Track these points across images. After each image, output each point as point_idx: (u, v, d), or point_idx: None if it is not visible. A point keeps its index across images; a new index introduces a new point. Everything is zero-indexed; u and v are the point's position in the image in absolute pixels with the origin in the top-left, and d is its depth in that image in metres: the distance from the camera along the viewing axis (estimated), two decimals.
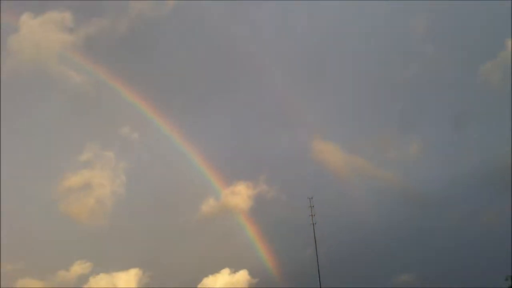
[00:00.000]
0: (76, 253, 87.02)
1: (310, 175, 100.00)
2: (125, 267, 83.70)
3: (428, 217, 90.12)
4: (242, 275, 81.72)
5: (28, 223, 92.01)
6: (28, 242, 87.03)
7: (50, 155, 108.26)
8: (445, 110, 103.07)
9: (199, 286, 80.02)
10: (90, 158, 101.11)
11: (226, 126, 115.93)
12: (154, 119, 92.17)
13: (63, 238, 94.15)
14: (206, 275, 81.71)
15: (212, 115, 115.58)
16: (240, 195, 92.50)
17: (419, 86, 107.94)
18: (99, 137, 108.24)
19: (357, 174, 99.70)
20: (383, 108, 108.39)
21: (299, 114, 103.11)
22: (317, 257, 47.35)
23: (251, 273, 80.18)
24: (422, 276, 70.16)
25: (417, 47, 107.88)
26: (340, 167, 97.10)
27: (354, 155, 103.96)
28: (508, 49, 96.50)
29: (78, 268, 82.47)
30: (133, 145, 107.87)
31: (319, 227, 50.32)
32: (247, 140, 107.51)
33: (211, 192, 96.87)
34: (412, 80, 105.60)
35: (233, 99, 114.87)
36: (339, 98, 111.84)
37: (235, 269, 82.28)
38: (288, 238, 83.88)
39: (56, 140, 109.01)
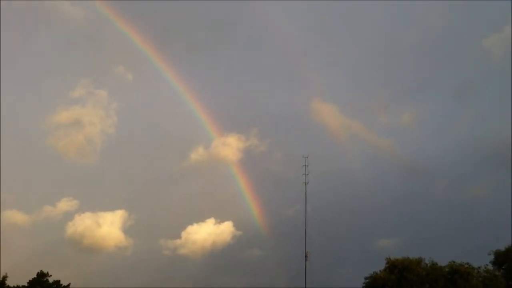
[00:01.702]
0: (63, 190, 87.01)
1: (307, 134, 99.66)
2: (111, 208, 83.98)
3: (418, 185, 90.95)
4: (227, 226, 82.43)
5: (16, 155, 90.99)
6: (15, 174, 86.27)
7: (42, 89, 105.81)
8: (445, 81, 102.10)
9: (182, 233, 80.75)
10: (83, 95, 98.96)
11: (226, 78, 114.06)
12: (153, 60, 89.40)
13: (51, 173, 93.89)
14: (191, 223, 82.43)
15: (212, 65, 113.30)
16: (230, 147, 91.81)
17: (421, 55, 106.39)
18: (93, 74, 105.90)
19: (354, 138, 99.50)
20: (385, 75, 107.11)
21: (301, 74, 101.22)
22: (305, 216, 47.00)
23: (236, 226, 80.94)
24: (404, 243, 70.96)
25: (421, 15, 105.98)
26: (337, 130, 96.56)
27: (352, 119, 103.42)
28: None
29: (65, 205, 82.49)
30: (128, 85, 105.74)
31: (311, 186, 49.76)
32: (245, 94, 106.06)
33: (202, 140, 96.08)
34: (414, 48, 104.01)
35: (236, 54, 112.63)
36: (342, 61, 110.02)
37: (220, 219, 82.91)
38: (278, 194, 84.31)
39: (49, 75, 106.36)
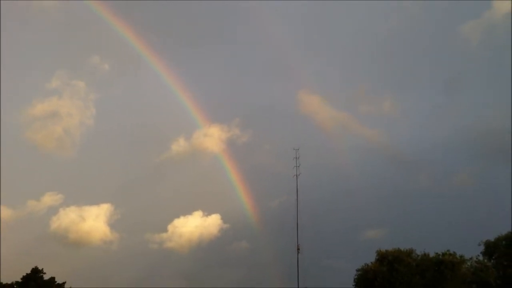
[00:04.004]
0: (47, 184, 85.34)
1: (295, 125, 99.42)
2: (96, 202, 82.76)
3: (406, 176, 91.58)
4: (214, 219, 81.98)
5: None
6: None
7: (18, 81, 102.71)
8: (431, 71, 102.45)
9: (169, 226, 79.98)
10: (59, 86, 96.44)
11: (210, 70, 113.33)
12: (131, 49, 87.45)
13: (32, 168, 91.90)
14: (178, 216, 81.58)
15: (195, 57, 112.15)
16: (212, 138, 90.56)
17: (404, 43, 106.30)
18: (69, 64, 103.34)
19: (341, 128, 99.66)
20: (369, 65, 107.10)
21: (289, 66, 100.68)
22: (297, 208, 46.59)
23: (223, 218, 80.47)
24: (394, 233, 71.31)
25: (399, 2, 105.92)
26: (326, 121, 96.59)
27: (340, 110, 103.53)
28: (494, 10, 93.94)
29: (49, 199, 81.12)
30: (106, 75, 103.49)
31: (301, 178, 49.33)
32: (229, 85, 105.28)
33: (184, 131, 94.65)
34: (395, 36, 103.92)
35: (221, 47, 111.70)
36: (327, 52, 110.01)
37: (208, 212, 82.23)
38: (265, 185, 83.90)
39: (25, 66, 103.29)
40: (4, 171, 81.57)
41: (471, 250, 43.15)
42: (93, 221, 79.40)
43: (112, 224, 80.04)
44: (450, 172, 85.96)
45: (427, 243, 45.21)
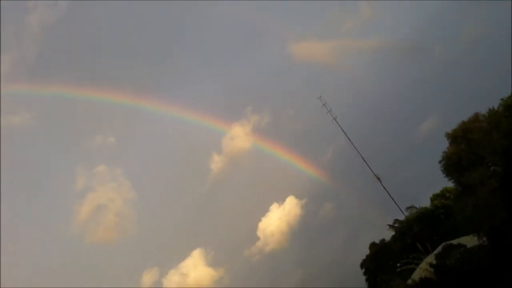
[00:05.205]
0: (138, 266, 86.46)
1: (300, 77, 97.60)
2: (186, 254, 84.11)
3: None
4: (290, 202, 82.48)
5: (69, 264, 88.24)
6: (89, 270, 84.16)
7: (44, 199, 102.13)
8: None
9: (258, 233, 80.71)
10: (85, 181, 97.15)
11: (203, 82, 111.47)
12: (136, 107, 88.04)
13: (105, 261, 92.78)
14: (259, 220, 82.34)
15: (187, 81, 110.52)
16: (239, 136, 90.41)
17: None
18: (83, 156, 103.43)
19: (345, 53, 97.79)
20: None
21: (269, 23, 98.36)
22: (353, 144, 46.91)
23: (297, 196, 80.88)
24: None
25: None
26: (327, 55, 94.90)
27: (335, 38, 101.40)
28: None
29: (147, 276, 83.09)
30: (115, 147, 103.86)
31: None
32: (225, 83, 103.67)
33: (212, 147, 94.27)
34: None
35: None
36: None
37: (281, 200, 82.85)
38: (312, 144, 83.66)
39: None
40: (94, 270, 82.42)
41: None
42: (195, 271, 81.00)
43: (211, 263, 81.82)
44: None
45: None
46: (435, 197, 53.04)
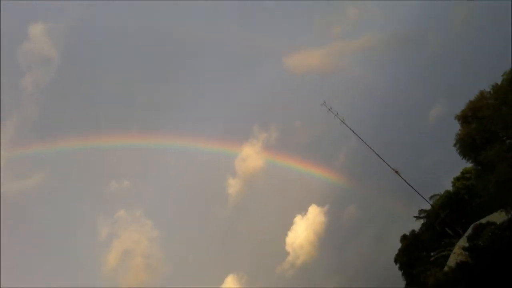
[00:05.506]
0: None
1: (302, 87, 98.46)
2: (220, 283, 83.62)
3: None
4: (313, 211, 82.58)
5: None
6: None
7: (71, 254, 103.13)
8: None
9: (286, 248, 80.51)
10: (107, 229, 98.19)
11: (205, 111, 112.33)
12: (143, 146, 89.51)
13: None
14: (285, 235, 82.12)
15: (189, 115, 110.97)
16: (251, 156, 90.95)
17: None
18: (102, 205, 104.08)
19: (340, 56, 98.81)
20: None
21: (261, 43, 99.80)
22: (365, 143, 47.27)
23: (319, 204, 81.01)
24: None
25: None
26: (323, 62, 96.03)
27: (327, 43, 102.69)
28: None
29: None
30: (130, 190, 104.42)
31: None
32: (231, 104, 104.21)
33: (226, 171, 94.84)
34: None
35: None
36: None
37: (303, 211, 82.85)
38: (323, 150, 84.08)
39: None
40: None
41: None
42: None
43: (246, 286, 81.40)
44: None
45: None
46: (456, 180, 53.13)
